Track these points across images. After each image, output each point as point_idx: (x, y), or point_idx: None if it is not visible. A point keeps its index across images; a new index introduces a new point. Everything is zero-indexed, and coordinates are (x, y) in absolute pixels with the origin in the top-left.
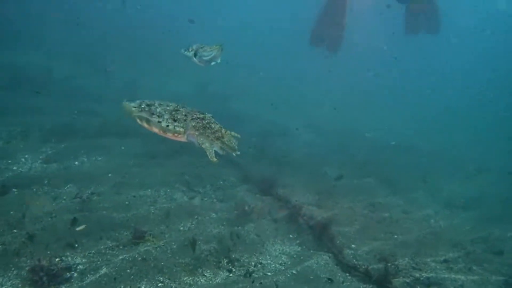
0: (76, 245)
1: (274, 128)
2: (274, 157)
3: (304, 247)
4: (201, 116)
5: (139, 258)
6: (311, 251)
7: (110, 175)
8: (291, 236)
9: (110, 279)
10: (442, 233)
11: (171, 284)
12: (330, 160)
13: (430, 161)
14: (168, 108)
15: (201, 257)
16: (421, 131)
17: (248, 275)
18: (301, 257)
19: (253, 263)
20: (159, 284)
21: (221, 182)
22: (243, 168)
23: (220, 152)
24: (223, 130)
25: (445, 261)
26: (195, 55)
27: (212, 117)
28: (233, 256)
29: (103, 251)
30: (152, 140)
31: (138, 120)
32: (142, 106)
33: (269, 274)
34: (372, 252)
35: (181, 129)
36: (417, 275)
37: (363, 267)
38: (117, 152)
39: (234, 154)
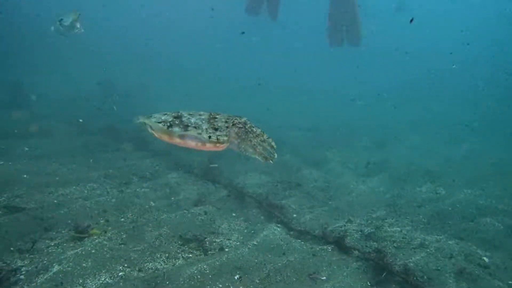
0: (12, 249)
1: None
2: None
3: (250, 222)
4: (242, 120)
5: (93, 251)
6: (259, 224)
7: (25, 176)
8: (234, 214)
9: (67, 275)
10: (364, 195)
11: (132, 272)
12: None
13: (332, 137)
14: (202, 117)
15: (156, 242)
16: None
17: (207, 253)
18: (252, 231)
19: (208, 242)
20: (120, 273)
21: (148, 173)
22: (172, 156)
23: (259, 158)
24: (265, 135)
25: (378, 218)
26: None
27: (248, 120)
28: (187, 237)
29: (46, 251)
30: (58, 139)
31: (166, 138)
32: (170, 120)
33: (227, 250)
34: (314, 219)
35: (225, 138)
36: (360, 232)
37: (317, 231)
38: (22, 153)
39: (271, 162)
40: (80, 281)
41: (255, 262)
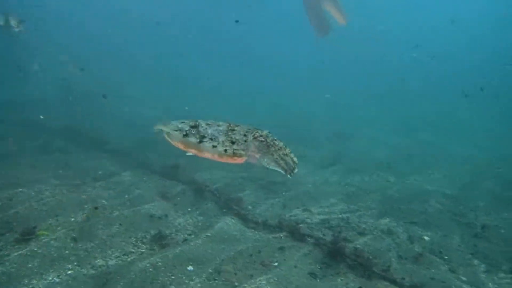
0: None
1: (138, 119)
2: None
3: (206, 215)
4: (264, 134)
5: (39, 251)
6: (214, 217)
7: None
8: (189, 209)
9: (10, 277)
10: (319, 185)
11: (82, 270)
12: None
13: (295, 132)
14: (220, 128)
15: (108, 239)
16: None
17: (160, 247)
18: (207, 224)
19: (161, 237)
20: (69, 272)
21: (100, 173)
22: (131, 156)
23: (281, 171)
24: (287, 149)
25: (331, 205)
26: None
27: (270, 133)
28: (140, 233)
29: None
30: (9, 141)
31: (181, 146)
32: (187, 129)
33: (180, 243)
34: (270, 209)
35: (242, 152)
36: (314, 220)
37: (272, 221)
38: None
39: (289, 176)
40: (26, 281)
41: (208, 252)
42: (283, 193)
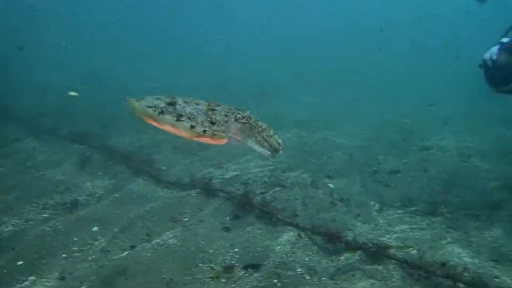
0: None
1: (48, 85)
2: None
3: (117, 178)
4: (246, 114)
5: None
6: (125, 180)
7: None
8: (99, 173)
9: None
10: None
11: None
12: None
13: (212, 92)
14: (199, 107)
15: (4, 207)
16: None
17: (69, 210)
18: (117, 186)
19: (66, 201)
20: None
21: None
22: (37, 121)
23: (265, 153)
24: (271, 131)
25: (245, 161)
26: None
27: (251, 113)
28: (42, 198)
29: None
30: None
31: (156, 124)
32: (162, 106)
33: (85, 205)
34: (184, 169)
35: (222, 134)
36: (227, 176)
37: (185, 179)
38: None
39: (271, 159)
40: None
41: (115, 213)
42: (200, 153)
